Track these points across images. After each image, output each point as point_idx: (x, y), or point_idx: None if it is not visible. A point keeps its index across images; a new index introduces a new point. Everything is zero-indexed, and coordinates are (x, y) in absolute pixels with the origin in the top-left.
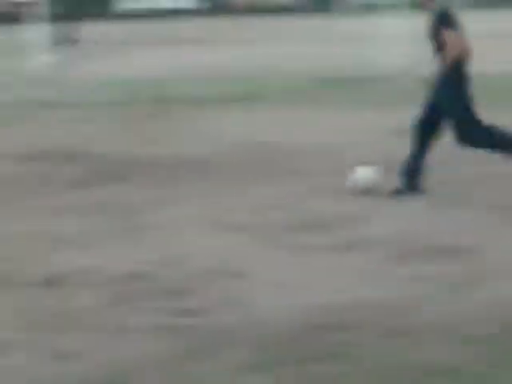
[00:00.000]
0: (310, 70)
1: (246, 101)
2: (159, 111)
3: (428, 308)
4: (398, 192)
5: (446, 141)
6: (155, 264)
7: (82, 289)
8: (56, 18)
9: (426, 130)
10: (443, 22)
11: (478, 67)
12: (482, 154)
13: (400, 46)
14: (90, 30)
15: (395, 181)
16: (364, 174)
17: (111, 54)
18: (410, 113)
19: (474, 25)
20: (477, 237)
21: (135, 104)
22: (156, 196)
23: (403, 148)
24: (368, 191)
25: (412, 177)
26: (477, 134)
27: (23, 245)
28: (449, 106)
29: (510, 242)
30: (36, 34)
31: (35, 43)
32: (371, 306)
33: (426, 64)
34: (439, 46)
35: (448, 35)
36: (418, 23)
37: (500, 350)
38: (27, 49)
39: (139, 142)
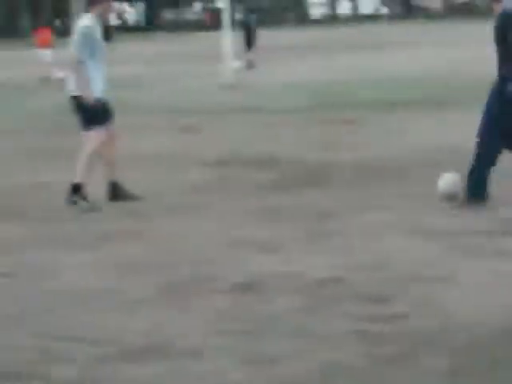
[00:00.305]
0: None
1: (438, 104)
2: (348, 116)
3: None
4: None
5: None
6: (352, 269)
7: (276, 294)
8: (247, 25)
9: None
10: (508, 25)
11: None
12: None
13: None
14: (283, 35)
15: None
16: (446, 180)
17: (298, 59)
18: None
19: None
20: None
21: (323, 108)
22: (350, 201)
23: None
24: (449, 197)
25: None
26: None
27: (217, 250)
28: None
29: None
30: (228, 40)
31: (228, 49)
32: None
33: None
34: (504, 53)
35: None
36: None
37: None
38: (220, 55)
39: (328, 146)
